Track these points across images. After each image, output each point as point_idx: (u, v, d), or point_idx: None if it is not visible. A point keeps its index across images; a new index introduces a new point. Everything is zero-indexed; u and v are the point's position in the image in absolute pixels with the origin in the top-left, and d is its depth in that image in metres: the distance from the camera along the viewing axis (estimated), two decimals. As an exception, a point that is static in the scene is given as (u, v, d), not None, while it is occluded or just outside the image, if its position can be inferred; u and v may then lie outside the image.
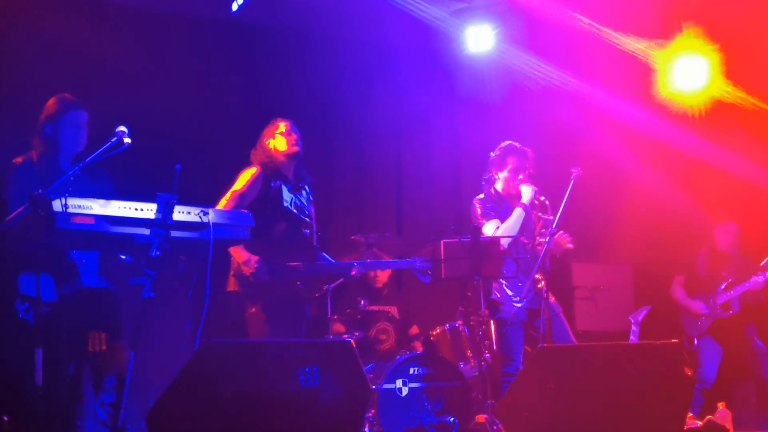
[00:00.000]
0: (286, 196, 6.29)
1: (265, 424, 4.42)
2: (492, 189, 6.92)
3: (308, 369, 4.48)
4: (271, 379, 4.47)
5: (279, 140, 6.37)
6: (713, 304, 8.08)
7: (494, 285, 6.74)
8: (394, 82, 9.18)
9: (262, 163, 6.31)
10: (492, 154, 6.99)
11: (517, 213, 6.73)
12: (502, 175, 6.91)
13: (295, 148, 6.37)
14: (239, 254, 6.04)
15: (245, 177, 6.25)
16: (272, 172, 6.29)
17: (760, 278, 7.92)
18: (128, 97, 7.21)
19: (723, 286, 8.08)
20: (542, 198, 6.70)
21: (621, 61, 8.57)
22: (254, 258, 6.01)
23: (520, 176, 6.86)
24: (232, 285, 6.20)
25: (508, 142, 6.97)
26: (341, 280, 7.50)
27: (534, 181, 6.83)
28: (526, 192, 6.76)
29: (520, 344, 6.62)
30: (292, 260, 6.19)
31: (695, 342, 8.10)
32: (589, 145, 8.99)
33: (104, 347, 4.99)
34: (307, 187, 6.51)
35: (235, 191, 6.17)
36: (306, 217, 6.38)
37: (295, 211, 6.30)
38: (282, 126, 6.40)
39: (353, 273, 6.57)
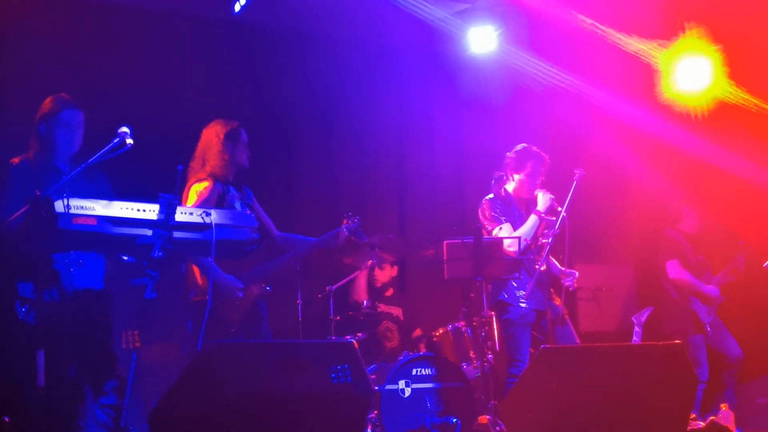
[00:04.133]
0: (237, 206, 6.09)
1: (267, 425, 4.42)
2: (502, 190, 6.86)
3: (340, 366, 4.47)
4: (273, 380, 4.47)
5: (241, 151, 6.16)
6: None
7: (502, 286, 6.70)
8: (396, 82, 9.18)
9: (211, 173, 6.05)
10: (509, 154, 6.91)
11: (533, 220, 6.64)
12: (518, 177, 6.84)
13: (247, 161, 6.22)
14: (219, 274, 5.79)
15: (198, 189, 5.99)
16: (222, 181, 6.07)
17: (741, 258, 8.07)
18: (130, 97, 7.22)
19: (709, 272, 8.14)
20: (559, 208, 6.63)
21: (624, 62, 8.56)
22: (229, 277, 5.85)
23: (538, 181, 6.83)
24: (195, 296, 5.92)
25: (524, 144, 6.91)
26: (344, 280, 7.51)
27: (546, 188, 6.79)
28: (544, 200, 6.68)
29: (526, 345, 6.59)
30: (253, 264, 6.07)
31: (708, 329, 8.05)
32: (591, 146, 8.98)
33: (138, 344, 4.97)
34: (244, 186, 6.32)
35: (192, 206, 5.78)
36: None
37: None
38: (242, 134, 6.19)
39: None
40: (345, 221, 6.40)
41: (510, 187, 6.87)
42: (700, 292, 8.10)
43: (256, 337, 5.97)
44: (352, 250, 7.71)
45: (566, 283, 6.70)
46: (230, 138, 6.11)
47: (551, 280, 6.82)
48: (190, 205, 5.85)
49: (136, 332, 4.97)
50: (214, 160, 6.06)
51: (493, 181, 6.87)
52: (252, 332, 5.98)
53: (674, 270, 8.18)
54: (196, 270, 5.89)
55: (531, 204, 6.78)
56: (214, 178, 6.02)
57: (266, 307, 6.19)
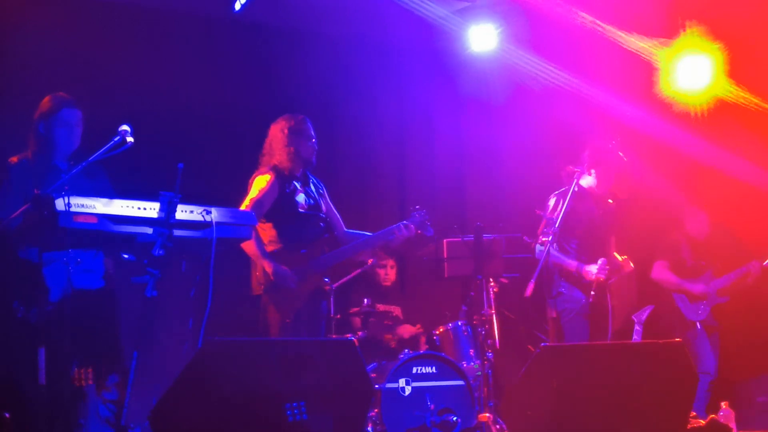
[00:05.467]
0: (300, 198, 6.27)
1: (268, 423, 4.42)
2: (575, 184, 6.78)
3: (296, 404, 4.46)
4: (273, 378, 4.47)
5: (306, 145, 6.34)
6: (711, 290, 8.17)
7: (559, 279, 6.74)
8: (397, 80, 9.17)
9: (274, 166, 6.26)
10: (586, 150, 7.01)
11: (564, 262, 6.74)
12: (594, 172, 6.92)
13: (314, 157, 6.41)
14: (267, 264, 6.02)
15: (260, 184, 6.19)
16: (286, 175, 6.26)
17: (756, 264, 8.19)
18: (131, 96, 7.22)
19: (710, 274, 8.19)
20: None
21: (624, 60, 8.55)
22: (282, 267, 6.02)
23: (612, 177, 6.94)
24: (256, 288, 6.20)
25: (599, 141, 7.03)
26: (345, 278, 7.50)
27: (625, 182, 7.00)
28: (592, 270, 6.69)
29: (582, 336, 6.65)
30: (312, 257, 6.21)
31: (698, 326, 8.12)
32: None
33: (90, 381, 5.00)
34: (314, 180, 6.50)
35: (252, 199, 6.12)
36: (321, 213, 6.38)
37: (310, 211, 6.30)
38: (308, 129, 6.37)
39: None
40: (411, 215, 6.58)
41: (584, 182, 6.90)
42: (685, 290, 8.19)
43: (309, 330, 6.18)
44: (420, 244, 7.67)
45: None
46: (295, 132, 6.31)
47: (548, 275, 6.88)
48: (252, 197, 6.13)
49: (89, 370, 4.98)
50: (279, 155, 6.27)
51: (570, 175, 6.88)
52: (306, 326, 6.17)
53: (657, 270, 8.39)
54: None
55: (604, 198, 6.92)
56: (276, 171, 6.22)
57: (327, 307, 6.40)
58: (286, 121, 6.34)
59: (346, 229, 6.58)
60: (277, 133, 6.33)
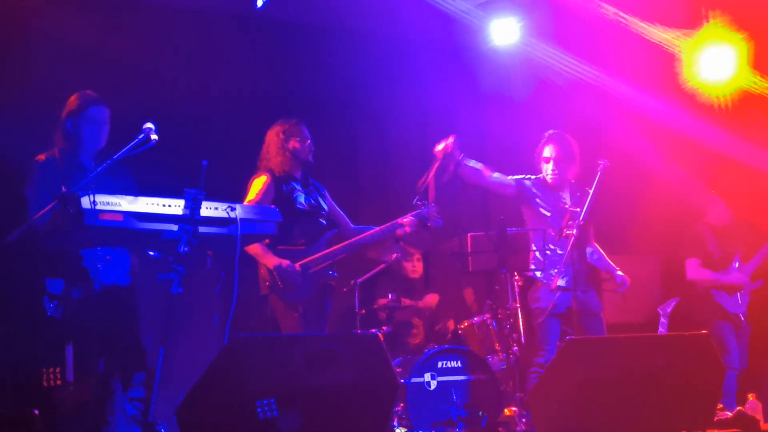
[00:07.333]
0: (300, 197, 6.32)
1: (293, 418, 4.43)
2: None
3: (266, 401, 4.45)
4: (299, 374, 4.48)
5: (301, 146, 6.42)
6: (746, 277, 8.09)
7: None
8: (418, 75, 9.15)
9: (271, 169, 6.35)
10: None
11: None
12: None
13: (311, 156, 6.47)
14: (269, 260, 6.06)
15: (257, 186, 6.28)
16: (283, 176, 6.34)
17: None
18: (154, 93, 7.25)
19: (738, 261, 8.10)
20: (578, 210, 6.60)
21: (647, 52, 8.50)
22: (284, 262, 6.05)
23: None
24: (264, 288, 6.22)
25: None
26: (369, 273, 7.51)
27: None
28: None
29: (555, 335, 6.58)
30: (314, 251, 6.23)
31: (742, 318, 8.02)
32: (614, 138, 8.93)
33: (59, 382, 5.01)
34: (315, 182, 6.55)
35: (250, 201, 6.18)
36: (322, 211, 6.41)
37: (310, 209, 6.33)
38: (302, 131, 6.46)
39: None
40: (416, 208, 6.54)
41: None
42: (723, 284, 8.05)
43: (317, 325, 6.21)
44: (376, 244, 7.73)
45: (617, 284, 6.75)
46: (290, 135, 6.43)
47: (591, 271, 6.83)
48: (249, 199, 6.20)
49: (57, 369, 5.00)
50: (276, 157, 6.39)
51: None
52: (315, 321, 6.21)
53: (692, 270, 8.13)
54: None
55: (578, 186, 6.87)
56: (272, 172, 6.33)
57: (330, 305, 6.39)
58: (280, 126, 6.47)
59: (353, 226, 6.64)
60: (273, 137, 6.45)
